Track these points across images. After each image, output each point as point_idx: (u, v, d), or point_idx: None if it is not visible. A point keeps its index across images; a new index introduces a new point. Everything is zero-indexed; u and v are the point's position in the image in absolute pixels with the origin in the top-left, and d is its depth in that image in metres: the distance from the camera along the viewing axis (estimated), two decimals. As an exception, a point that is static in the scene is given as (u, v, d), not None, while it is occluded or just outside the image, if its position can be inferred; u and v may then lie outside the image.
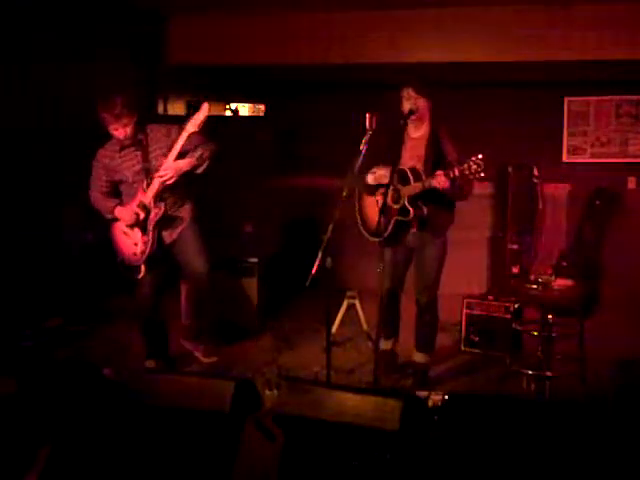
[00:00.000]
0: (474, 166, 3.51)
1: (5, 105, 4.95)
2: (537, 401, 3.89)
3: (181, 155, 4.06)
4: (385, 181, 3.79)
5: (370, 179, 4.03)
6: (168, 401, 2.72)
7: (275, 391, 2.82)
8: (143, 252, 4.14)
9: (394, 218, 3.93)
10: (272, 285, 5.69)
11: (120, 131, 4.03)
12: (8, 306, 4.81)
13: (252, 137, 7.01)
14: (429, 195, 3.82)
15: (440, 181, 3.69)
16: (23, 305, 4.97)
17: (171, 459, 2.63)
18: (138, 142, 4.13)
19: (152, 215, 4.09)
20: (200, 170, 4.14)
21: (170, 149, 4.05)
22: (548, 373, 4.02)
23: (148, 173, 4.10)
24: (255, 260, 5.42)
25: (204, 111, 3.95)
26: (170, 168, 4.02)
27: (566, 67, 5.74)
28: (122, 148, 4.13)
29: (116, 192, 4.26)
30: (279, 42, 6.16)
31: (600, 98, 6.35)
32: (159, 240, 4.17)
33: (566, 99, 6.42)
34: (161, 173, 4.03)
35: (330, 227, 3.51)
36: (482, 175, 3.53)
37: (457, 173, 3.60)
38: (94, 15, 5.60)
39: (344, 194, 3.59)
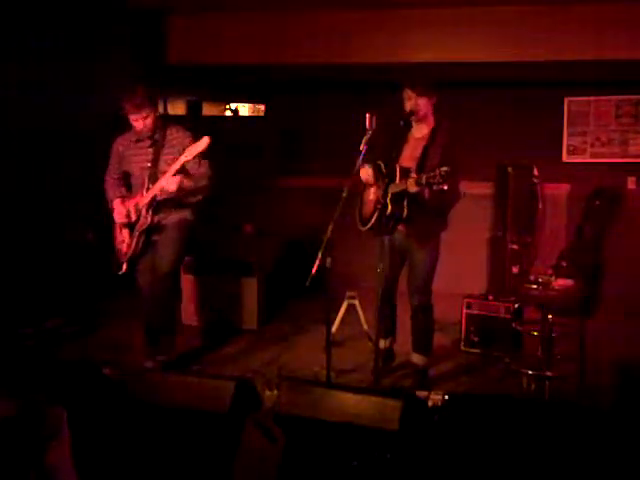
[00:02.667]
0: (437, 177, 3.51)
1: (5, 105, 4.95)
2: (537, 401, 3.89)
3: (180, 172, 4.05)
4: (371, 181, 3.95)
5: (362, 174, 4.04)
6: (168, 401, 2.73)
7: (275, 391, 2.82)
8: (127, 253, 4.20)
9: (378, 211, 3.90)
10: (272, 285, 5.69)
11: (140, 122, 4.05)
12: (9, 306, 4.81)
13: (252, 137, 7.02)
14: (413, 198, 3.83)
15: (410, 184, 3.72)
16: (24, 305, 4.97)
17: (171, 459, 2.63)
18: (154, 140, 4.15)
19: (140, 221, 4.13)
20: (198, 197, 4.21)
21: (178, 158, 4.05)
22: (548, 373, 4.02)
23: (153, 175, 4.11)
24: (255, 260, 5.42)
25: (203, 144, 3.94)
26: (172, 182, 4.00)
27: (566, 67, 5.74)
28: (137, 140, 4.16)
29: (127, 181, 4.29)
30: (279, 42, 6.16)
31: (600, 98, 6.34)
32: (146, 243, 4.18)
33: (566, 99, 6.41)
34: (162, 184, 4.02)
35: (330, 227, 3.51)
36: (443, 188, 3.53)
37: (423, 180, 3.60)
38: (94, 15, 5.61)
39: (344, 194, 3.59)
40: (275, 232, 6.50)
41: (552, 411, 2.76)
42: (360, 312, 4.90)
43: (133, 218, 4.15)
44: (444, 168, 3.50)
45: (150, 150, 4.15)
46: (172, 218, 4.24)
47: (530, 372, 4.10)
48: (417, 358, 4.20)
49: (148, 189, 4.10)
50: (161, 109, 7.01)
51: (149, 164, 4.13)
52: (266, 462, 2.44)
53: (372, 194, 4.06)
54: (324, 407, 2.57)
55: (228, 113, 8.15)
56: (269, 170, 6.96)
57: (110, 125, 5.40)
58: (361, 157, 3.67)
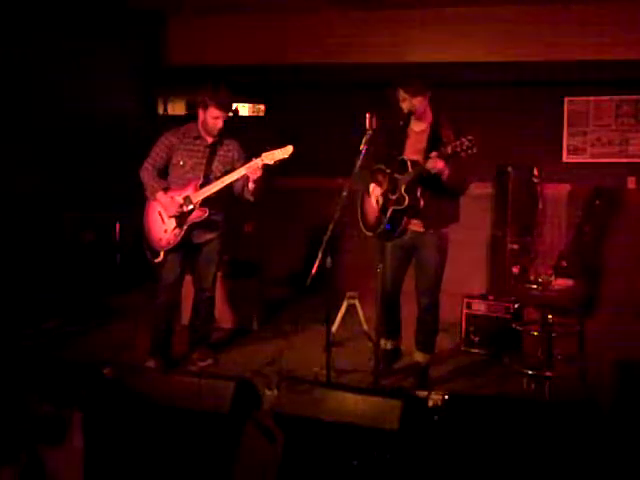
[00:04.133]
0: (466, 142, 3.52)
1: (4, 105, 4.95)
2: (537, 401, 3.89)
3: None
4: (379, 194, 3.95)
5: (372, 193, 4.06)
6: (168, 401, 2.72)
7: (275, 391, 2.82)
8: (169, 242, 4.27)
9: (391, 209, 3.91)
10: (272, 285, 5.69)
11: (220, 121, 4.23)
12: (9, 306, 4.81)
13: (252, 137, 7.00)
14: (428, 184, 3.82)
15: (434, 162, 3.69)
16: (23, 305, 4.97)
17: (171, 459, 2.63)
18: (214, 141, 4.32)
19: (193, 215, 4.23)
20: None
21: (232, 164, 4.31)
22: (548, 373, 4.02)
23: (207, 174, 4.27)
24: (255, 260, 5.42)
25: (287, 152, 4.14)
26: (255, 169, 4.17)
27: (566, 67, 5.74)
28: (196, 137, 4.31)
29: (164, 174, 4.37)
30: (279, 42, 6.16)
31: (600, 98, 6.34)
32: (188, 236, 4.30)
33: (566, 99, 6.41)
34: (244, 173, 4.16)
35: (330, 227, 3.51)
36: (474, 151, 3.52)
37: (449, 151, 3.59)
38: (94, 16, 5.61)
39: (344, 194, 3.58)
40: (275, 232, 6.50)
41: (552, 411, 2.76)
42: (360, 312, 4.90)
43: (185, 210, 4.23)
44: (469, 136, 3.52)
45: (207, 150, 4.32)
46: (220, 216, 4.40)
47: (530, 372, 4.10)
48: (420, 356, 4.21)
49: (202, 185, 4.22)
50: (161, 109, 7.02)
51: (204, 161, 4.29)
52: (266, 462, 2.44)
53: (375, 196, 4.04)
54: (324, 407, 2.57)
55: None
56: (268, 170, 6.96)
57: (110, 125, 5.41)
58: (361, 157, 3.66)
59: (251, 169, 4.14)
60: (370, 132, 3.70)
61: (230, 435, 2.54)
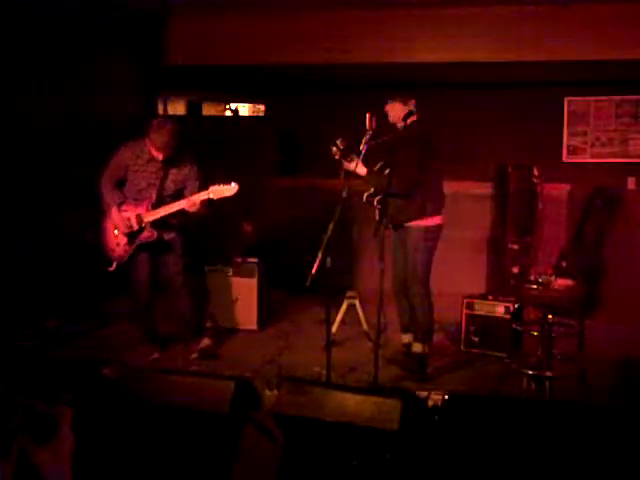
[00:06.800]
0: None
1: (4, 105, 4.95)
2: (537, 401, 3.89)
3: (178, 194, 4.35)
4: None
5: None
6: (168, 401, 2.73)
7: (275, 391, 2.82)
8: (120, 256, 4.40)
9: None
10: (272, 285, 5.69)
11: (160, 155, 4.23)
12: (8, 306, 4.81)
13: (252, 137, 7.02)
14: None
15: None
16: (23, 305, 4.97)
17: (171, 459, 2.63)
18: (167, 164, 4.32)
19: (143, 235, 4.33)
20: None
21: (183, 182, 4.35)
22: (548, 373, 4.02)
23: (159, 192, 4.32)
24: (255, 260, 5.42)
25: (233, 190, 4.18)
26: (193, 205, 4.21)
27: (566, 67, 5.74)
28: (150, 160, 4.30)
29: (122, 183, 4.42)
30: (279, 42, 6.16)
31: (600, 98, 6.35)
32: (141, 250, 4.40)
33: (566, 99, 6.41)
34: (183, 206, 4.22)
35: (330, 227, 3.51)
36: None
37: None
38: (94, 15, 5.61)
39: (344, 194, 3.59)
40: (275, 232, 6.49)
41: (552, 411, 2.76)
42: (360, 312, 4.90)
43: (135, 228, 4.32)
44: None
45: (161, 171, 4.33)
46: (172, 235, 4.46)
47: (530, 372, 4.10)
48: (417, 347, 4.30)
49: (155, 205, 4.29)
50: (161, 109, 7.02)
51: (158, 181, 4.33)
52: (266, 462, 2.44)
53: None
54: (324, 407, 2.57)
55: (228, 113, 8.15)
56: (268, 170, 6.96)
57: (110, 124, 5.41)
58: (360, 157, 3.68)
59: (190, 203, 4.21)
60: (370, 132, 3.72)
61: (230, 435, 2.55)
